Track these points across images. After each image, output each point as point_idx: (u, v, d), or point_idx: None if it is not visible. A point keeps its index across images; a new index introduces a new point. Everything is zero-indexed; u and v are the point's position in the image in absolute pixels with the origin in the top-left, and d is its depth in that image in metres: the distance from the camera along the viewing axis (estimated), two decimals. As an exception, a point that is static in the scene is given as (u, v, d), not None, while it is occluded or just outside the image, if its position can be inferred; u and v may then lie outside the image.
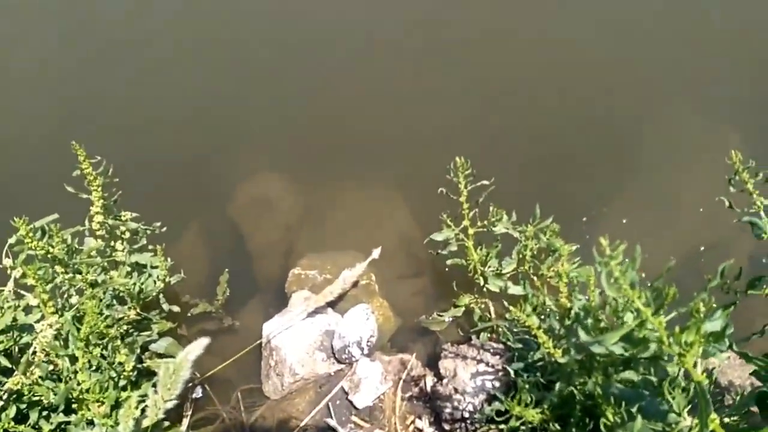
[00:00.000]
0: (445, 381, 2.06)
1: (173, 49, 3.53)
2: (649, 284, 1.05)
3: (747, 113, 2.82)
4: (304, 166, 3.04)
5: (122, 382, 1.84)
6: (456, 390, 2.00)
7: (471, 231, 2.19)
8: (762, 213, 1.25)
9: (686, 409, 1.13)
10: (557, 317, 1.83)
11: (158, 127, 3.22)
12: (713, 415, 0.91)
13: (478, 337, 2.19)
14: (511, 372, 1.76)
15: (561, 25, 3.25)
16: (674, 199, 2.65)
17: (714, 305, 1.02)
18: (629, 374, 1.52)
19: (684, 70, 3.02)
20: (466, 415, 1.94)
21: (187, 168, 3.06)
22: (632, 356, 1.53)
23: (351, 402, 2.10)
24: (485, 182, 2.12)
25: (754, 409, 1.25)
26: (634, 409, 1.33)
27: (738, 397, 1.69)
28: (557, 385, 1.61)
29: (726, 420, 1.32)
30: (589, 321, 1.65)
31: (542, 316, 1.86)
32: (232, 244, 2.84)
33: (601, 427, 1.45)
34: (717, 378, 1.78)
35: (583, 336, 1.02)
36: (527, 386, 1.64)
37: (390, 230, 2.75)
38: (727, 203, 1.28)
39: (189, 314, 2.43)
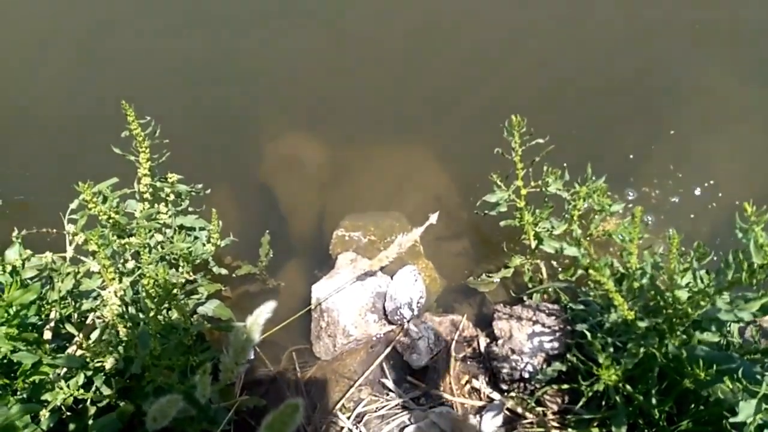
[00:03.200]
0: (500, 342, 2.06)
1: (196, 8, 3.39)
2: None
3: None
4: (335, 126, 2.97)
5: (183, 348, 1.81)
6: (513, 350, 2.00)
7: (524, 191, 2.16)
8: None
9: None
10: (621, 279, 1.83)
11: (180, 89, 3.11)
12: None
13: (530, 298, 2.19)
14: (587, 333, 1.75)
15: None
16: (714, 159, 2.64)
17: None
18: (709, 336, 1.53)
19: (721, 31, 2.97)
20: (525, 375, 1.95)
21: (212, 130, 2.98)
22: (710, 318, 1.54)
23: (406, 362, 2.10)
24: (541, 140, 2.08)
25: None
26: (724, 372, 1.34)
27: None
28: (633, 347, 1.61)
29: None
30: (658, 281, 1.65)
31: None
32: (265, 207, 2.79)
33: (684, 385, 1.47)
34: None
35: (721, 304, 0.99)
36: (603, 349, 1.64)
37: (426, 191, 2.72)
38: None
39: (233, 276, 2.40)
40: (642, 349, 1.60)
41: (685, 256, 1.73)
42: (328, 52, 3.16)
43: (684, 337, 1.57)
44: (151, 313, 1.52)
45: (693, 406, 1.64)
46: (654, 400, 1.60)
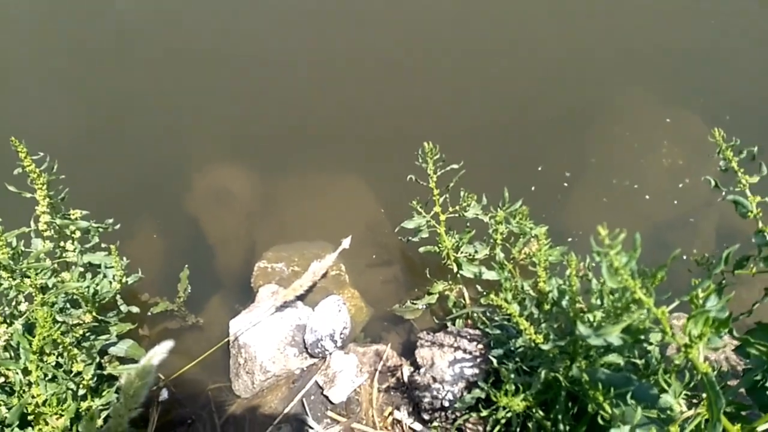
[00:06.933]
0: (422, 370, 2.01)
1: (119, 35, 3.34)
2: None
3: (706, 97, 2.86)
4: (263, 155, 2.92)
5: (81, 392, 1.72)
6: (434, 379, 1.96)
7: (442, 217, 2.14)
8: (747, 191, 1.23)
9: (681, 396, 1.11)
10: (535, 302, 1.81)
11: (103, 119, 3.04)
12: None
13: (453, 324, 2.15)
14: (494, 360, 1.72)
15: (523, 12, 3.22)
16: (635, 180, 2.66)
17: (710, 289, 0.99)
18: (613, 357, 1.51)
19: (643, 56, 3.04)
20: (446, 404, 1.90)
21: (137, 160, 2.90)
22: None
23: (326, 397, 2.04)
24: (455, 166, 2.07)
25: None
26: (624, 395, 1.31)
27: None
28: (540, 372, 1.58)
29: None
30: (566, 304, 1.63)
31: (521, 301, 1.83)
32: (190, 239, 2.71)
33: (590, 411, 1.44)
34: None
35: (582, 329, 0.97)
36: (511, 374, 1.60)
37: (356, 219, 2.68)
38: (713, 183, 1.26)
39: (149, 314, 2.31)
40: (550, 373, 1.58)
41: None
42: (253, 82, 3.14)
43: (591, 359, 1.55)
44: (32, 361, 1.43)
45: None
46: (564, 426, 1.57)
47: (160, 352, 1.57)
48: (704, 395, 1.21)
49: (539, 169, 2.57)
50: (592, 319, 1.54)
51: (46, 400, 1.52)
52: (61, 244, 2.02)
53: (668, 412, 1.16)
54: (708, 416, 0.96)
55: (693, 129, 2.72)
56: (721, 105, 2.74)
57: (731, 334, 1.14)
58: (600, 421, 1.26)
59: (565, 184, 2.58)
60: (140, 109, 3.06)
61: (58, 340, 1.50)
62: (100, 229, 2.08)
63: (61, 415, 1.55)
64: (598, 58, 3.03)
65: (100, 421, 1.57)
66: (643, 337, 1.19)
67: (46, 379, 1.62)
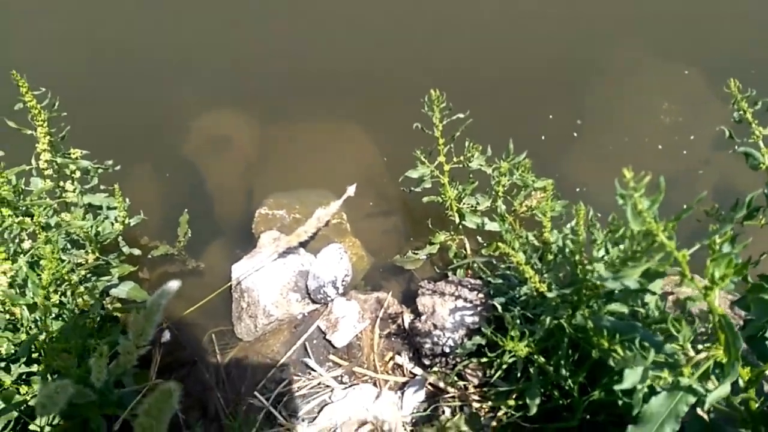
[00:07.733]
0: (423, 318, 2.04)
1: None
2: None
3: (709, 55, 2.83)
4: (263, 102, 2.88)
5: (86, 330, 1.73)
6: (435, 326, 1.99)
7: (446, 167, 2.13)
8: (761, 143, 1.24)
9: (689, 341, 1.14)
10: (539, 252, 1.83)
11: (105, 61, 2.96)
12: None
13: (454, 274, 2.17)
14: (498, 307, 1.75)
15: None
16: (635, 136, 2.66)
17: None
18: (617, 306, 1.54)
19: (645, 12, 3.00)
20: (447, 350, 1.94)
21: (137, 105, 2.85)
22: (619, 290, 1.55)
23: (329, 341, 2.07)
24: (461, 115, 2.05)
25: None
26: (630, 341, 1.35)
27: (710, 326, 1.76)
28: (544, 319, 1.61)
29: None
30: (569, 254, 1.65)
31: (524, 251, 1.85)
32: (189, 184, 2.69)
33: (593, 356, 1.47)
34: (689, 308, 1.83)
35: (602, 272, 0.99)
36: (516, 320, 1.63)
37: (357, 168, 2.67)
38: (727, 133, 1.26)
39: (149, 257, 2.30)
40: (553, 321, 1.61)
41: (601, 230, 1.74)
42: (256, 29, 3.06)
43: (594, 308, 1.58)
44: (40, 296, 1.43)
45: (607, 377, 1.66)
46: (565, 371, 1.61)
47: (168, 291, 1.58)
48: (708, 344, 1.25)
49: (550, 117, 2.55)
50: (591, 270, 1.57)
51: (54, 336, 1.52)
52: (61, 183, 1.99)
53: (675, 357, 1.19)
54: (723, 359, 0.98)
55: (697, 86, 2.71)
56: (738, 62, 2.71)
57: (746, 280, 1.16)
58: (611, 363, 1.29)
59: (575, 134, 2.56)
60: (143, 52, 2.98)
61: (66, 277, 1.49)
62: (100, 170, 2.06)
63: (69, 352, 1.56)
64: (606, 12, 2.98)
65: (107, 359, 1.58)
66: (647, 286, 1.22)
67: (51, 317, 1.62)
